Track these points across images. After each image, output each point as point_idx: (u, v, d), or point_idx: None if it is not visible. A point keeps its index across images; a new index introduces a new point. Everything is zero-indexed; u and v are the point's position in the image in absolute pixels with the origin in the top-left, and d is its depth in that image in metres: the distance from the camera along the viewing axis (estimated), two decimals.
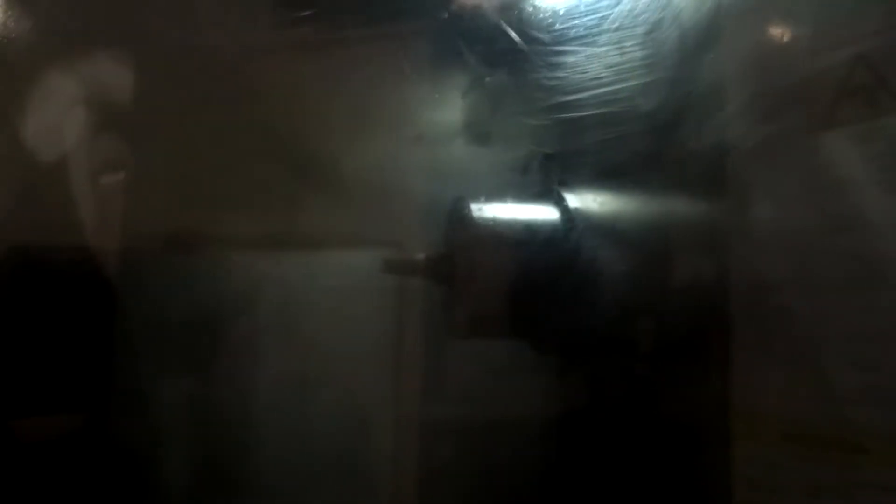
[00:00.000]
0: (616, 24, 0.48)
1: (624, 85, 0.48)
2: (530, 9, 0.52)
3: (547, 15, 0.52)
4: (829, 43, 0.34)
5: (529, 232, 0.48)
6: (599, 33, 0.49)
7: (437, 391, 0.60)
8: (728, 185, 0.42)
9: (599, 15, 0.49)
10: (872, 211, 0.33)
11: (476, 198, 0.48)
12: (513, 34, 0.51)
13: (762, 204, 0.40)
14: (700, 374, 0.41)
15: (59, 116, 0.58)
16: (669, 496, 0.42)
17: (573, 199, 0.48)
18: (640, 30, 0.47)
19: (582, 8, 0.50)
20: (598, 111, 0.48)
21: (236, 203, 0.60)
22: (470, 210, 0.47)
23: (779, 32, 0.38)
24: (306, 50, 0.64)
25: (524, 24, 0.52)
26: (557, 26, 0.51)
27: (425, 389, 0.60)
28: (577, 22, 0.51)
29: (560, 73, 0.50)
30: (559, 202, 0.48)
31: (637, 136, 0.47)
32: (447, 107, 0.63)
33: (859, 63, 0.33)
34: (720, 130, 0.43)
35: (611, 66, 0.48)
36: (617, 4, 0.48)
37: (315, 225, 0.60)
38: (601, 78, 0.48)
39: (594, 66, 0.50)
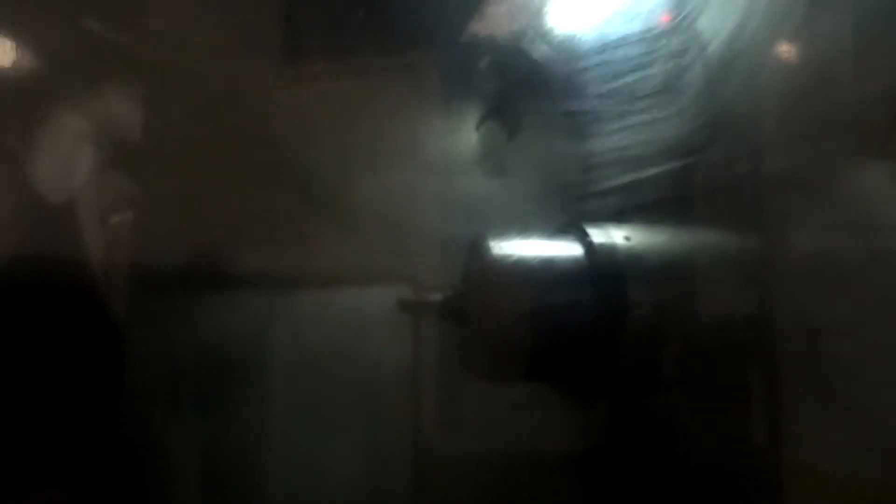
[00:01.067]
0: (637, 66, 0.46)
1: (649, 120, 0.46)
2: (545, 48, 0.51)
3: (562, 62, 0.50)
4: (879, 67, 0.32)
5: (551, 270, 0.45)
6: (621, 77, 0.48)
7: (455, 429, 0.58)
8: (763, 216, 0.39)
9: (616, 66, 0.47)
10: None
11: (495, 234, 0.46)
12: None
13: (801, 236, 0.37)
14: (741, 424, 0.38)
15: (68, 154, 0.56)
16: None
17: (597, 234, 0.45)
18: (664, 66, 0.45)
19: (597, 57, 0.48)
20: (621, 148, 0.46)
21: (248, 239, 0.59)
22: (488, 247, 0.45)
23: (819, 56, 0.36)
24: (318, 82, 0.63)
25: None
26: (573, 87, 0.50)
27: (443, 428, 0.58)
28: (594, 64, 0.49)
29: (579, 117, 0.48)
30: (582, 238, 0.46)
31: (665, 168, 0.45)
32: (461, 138, 0.61)
33: None
34: (753, 159, 0.40)
35: (633, 109, 0.47)
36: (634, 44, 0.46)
37: (328, 261, 0.59)
38: (624, 118, 0.46)
39: (615, 106, 0.48)
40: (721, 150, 0.43)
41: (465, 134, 0.61)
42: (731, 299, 0.42)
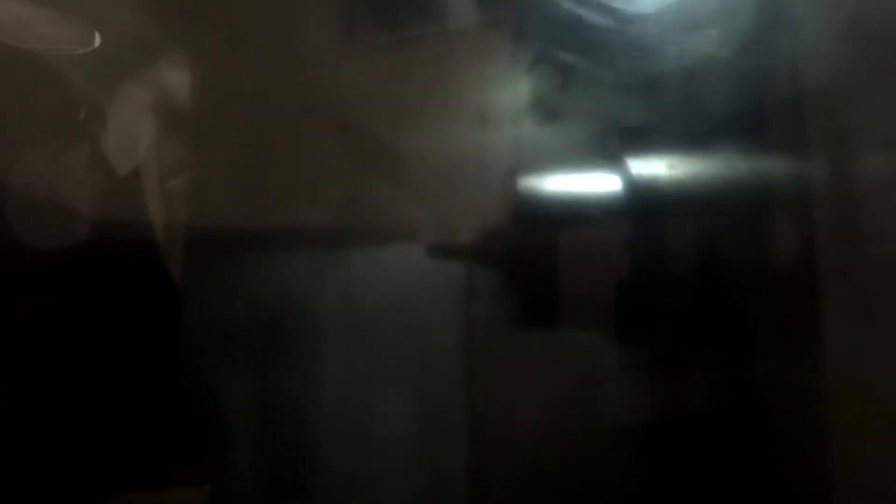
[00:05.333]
0: None
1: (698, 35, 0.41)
2: None
3: None
4: None
5: (592, 206, 0.42)
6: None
7: (511, 389, 0.56)
8: (822, 135, 0.35)
9: None
10: None
11: (532, 171, 0.44)
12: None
13: (868, 153, 0.32)
14: (788, 357, 0.34)
15: (132, 125, 0.59)
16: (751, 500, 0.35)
17: (640, 166, 0.42)
18: None
19: None
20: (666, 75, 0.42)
21: (302, 199, 0.59)
22: (522, 184, 0.43)
23: None
24: (376, 50, 0.63)
25: None
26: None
27: (498, 387, 0.56)
28: None
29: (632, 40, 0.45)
30: (624, 171, 0.43)
31: (711, 91, 0.41)
32: (515, 87, 0.59)
33: None
34: (807, 76, 0.36)
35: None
36: None
37: (382, 218, 0.58)
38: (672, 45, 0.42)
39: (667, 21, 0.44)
40: (772, 67, 0.39)
41: (518, 83, 0.59)
42: (789, 227, 0.38)
